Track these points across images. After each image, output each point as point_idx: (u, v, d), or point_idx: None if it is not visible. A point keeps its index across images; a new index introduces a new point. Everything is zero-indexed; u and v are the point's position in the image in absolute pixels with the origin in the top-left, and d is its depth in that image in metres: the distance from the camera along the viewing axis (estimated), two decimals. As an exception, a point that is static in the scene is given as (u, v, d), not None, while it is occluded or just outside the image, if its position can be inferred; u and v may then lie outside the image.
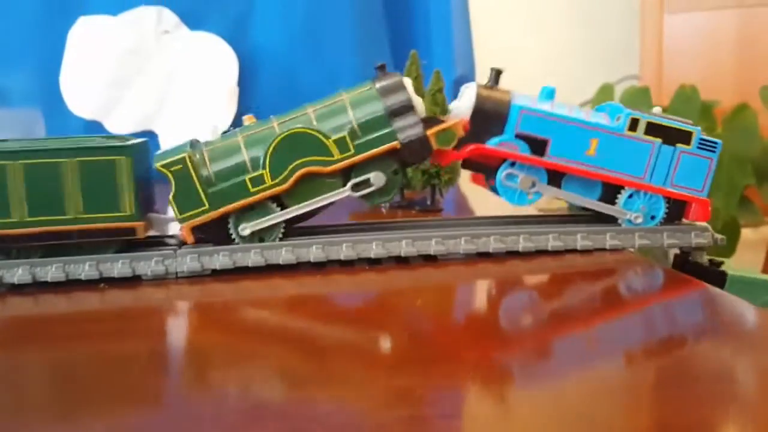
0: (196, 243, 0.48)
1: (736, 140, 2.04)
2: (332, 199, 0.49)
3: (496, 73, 0.51)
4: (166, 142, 1.09)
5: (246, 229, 0.48)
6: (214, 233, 0.48)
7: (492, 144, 0.50)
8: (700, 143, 0.50)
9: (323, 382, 0.31)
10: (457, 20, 1.19)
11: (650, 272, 0.48)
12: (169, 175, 0.47)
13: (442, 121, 0.49)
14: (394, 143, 0.48)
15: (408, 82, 0.49)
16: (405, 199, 0.77)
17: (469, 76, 1.17)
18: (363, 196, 0.49)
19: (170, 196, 0.47)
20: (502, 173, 0.50)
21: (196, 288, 0.46)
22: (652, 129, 0.50)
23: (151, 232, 0.50)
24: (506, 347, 0.37)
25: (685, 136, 0.50)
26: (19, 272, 0.46)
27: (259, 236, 0.49)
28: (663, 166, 0.50)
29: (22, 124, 1.11)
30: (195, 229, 0.48)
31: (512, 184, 0.50)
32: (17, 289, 0.46)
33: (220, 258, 0.47)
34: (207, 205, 0.47)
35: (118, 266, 0.46)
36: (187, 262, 0.47)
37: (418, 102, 0.49)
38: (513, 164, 0.50)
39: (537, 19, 1.61)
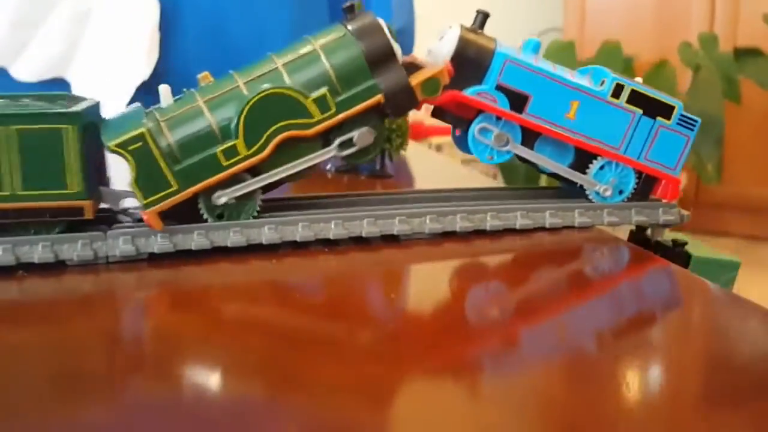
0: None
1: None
2: (316, 161, 0.44)
3: (483, 17, 0.47)
4: (79, 91, 0.99)
5: (221, 197, 0.42)
6: (181, 213, 0.42)
7: (470, 93, 0.46)
8: (680, 119, 0.48)
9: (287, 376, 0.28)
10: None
11: (618, 251, 0.46)
12: (127, 155, 0.40)
13: (422, 67, 0.44)
14: (378, 97, 0.43)
15: (383, 22, 0.44)
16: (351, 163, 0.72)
17: (409, 30, 1.12)
18: (346, 156, 0.44)
19: (131, 180, 0.40)
20: (476, 126, 0.47)
21: (131, 275, 0.41)
22: (635, 98, 0.48)
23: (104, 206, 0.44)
24: (475, 334, 0.34)
25: (666, 110, 0.48)
26: None
27: (234, 211, 0.43)
28: (640, 139, 0.48)
29: None
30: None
31: (485, 139, 0.47)
32: None
33: (158, 240, 0.42)
34: (175, 186, 0.41)
35: (39, 251, 0.40)
36: (120, 245, 0.41)
37: (396, 46, 0.44)
38: (488, 117, 0.47)
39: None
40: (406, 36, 1.11)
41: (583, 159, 0.49)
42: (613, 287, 0.42)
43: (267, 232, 0.43)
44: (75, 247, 0.41)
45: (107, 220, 0.44)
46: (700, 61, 2.03)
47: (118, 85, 0.98)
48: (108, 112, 1.07)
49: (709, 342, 0.34)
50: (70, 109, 0.40)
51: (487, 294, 0.41)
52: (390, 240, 0.46)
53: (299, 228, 0.44)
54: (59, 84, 1.00)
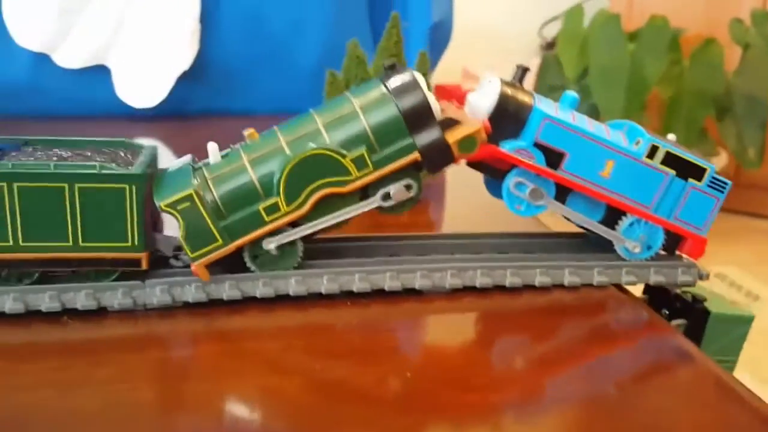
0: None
1: (701, 75, 2.04)
2: (355, 214, 0.46)
3: (522, 71, 0.48)
4: (119, 78, 1.01)
5: (271, 242, 0.44)
6: (225, 263, 0.45)
7: (508, 149, 0.47)
8: (711, 181, 0.49)
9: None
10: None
11: (632, 316, 0.47)
12: (176, 214, 0.42)
13: (459, 122, 0.45)
14: (415, 155, 0.44)
15: (421, 78, 0.45)
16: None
17: (446, 23, 1.11)
18: (383, 209, 0.46)
19: (180, 236, 0.43)
20: (511, 180, 0.48)
21: (166, 322, 0.44)
22: (669, 159, 0.48)
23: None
24: (494, 389, 0.37)
25: (698, 172, 0.48)
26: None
27: (276, 259, 0.45)
28: (671, 199, 0.49)
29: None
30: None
31: (520, 193, 0.48)
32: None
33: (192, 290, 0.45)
34: (220, 241, 0.43)
35: (82, 298, 0.43)
36: (157, 294, 0.44)
37: (433, 99, 0.45)
38: (523, 172, 0.48)
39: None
40: (443, 29, 1.10)
41: (613, 215, 0.49)
42: (613, 352, 0.43)
43: (294, 284, 0.46)
44: (116, 295, 0.44)
45: (160, 262, 0.46)
46: (750, 39, 1.96)
47: (159, 76, 1.00)
48: (148, 102, 1.08)
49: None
50: (132, 171, 0.42)
51: (503, 350, 0.43)
52: (412, 292, 0.47)
53: (324, 281, 0.46)
54: (100, 70, 1.02)
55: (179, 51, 1.00)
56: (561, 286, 0.49)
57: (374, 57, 0.77)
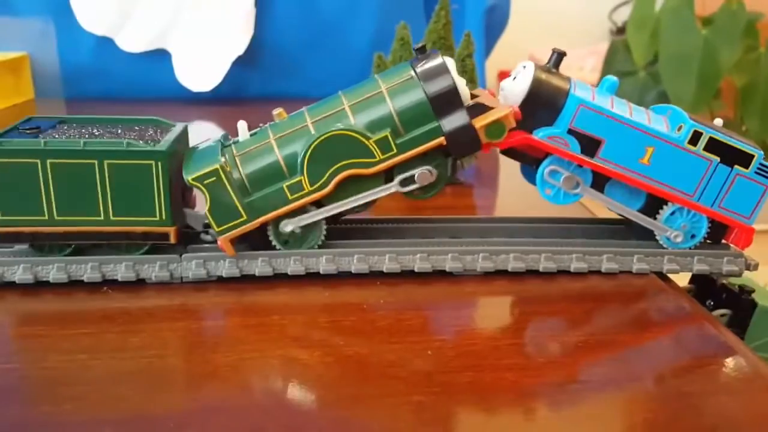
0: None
1: (778, 63, 1.91)
2: (376, 197, 0.46)
3: (558, 56, 0.46)
4: (179, 62, 1.04)
5: (288, 225, 0.45)
6: (252, 240, 0.46)
7: (541, 136, 0.45)
8: (758, 168, 0.46)
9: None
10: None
11: (672, 305, 0.45)
12: (202, 188, 0.44)
13: (489, 108, 0.44)
14: (440, 139, 0.44)
15: (451, 63, 0.44)
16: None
17: (503, 5, 1.09)
18: (406, 193, 0.46)
19: (206, 210, 0.44)
20: (545, 168, 0.46)
21: (200, 295, 0.45)
22: (713, 146, 0.46)
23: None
24: (522, 372, 0.37)
25: (745, 159, 0.46)
26: (19, 271, 0.44)
27: (300, 239, 0.46)
28: (715, 187, 0.46)
29: (32, 36, 1.06)
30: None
31: (554, 181, 0.47)
32: (15, 286, 0.45)
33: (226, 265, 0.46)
34: (245, 217, 0.44)
35: (122, 270, 0.45)
36: (193, 268, 0.45)
37: (462, 85, 0.44)
38: (558, 159, 0.46)
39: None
40: (500, 13, 1.08)
41: (654, 203, 0.47)
42: (650, 341, 0.42)
43: (324, 262, 0.46)
44: (154, 268, 0.45)
45: (189, 237, 0.48)
46: (835, 24, 1.84)
47: (216, 60, 1.02)
48: (206, 85, 1.11)
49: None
50: (156, 147, 0.43)
51: (533, 334, 0.42)
52: (442, 274, 0.47)
53: (354, 260, 0.46)
54: (161, 55, 1.05)
55: (235, 36, 1.02)
56: (598, 273, 0.47)
57: (422, 40, 0.76)
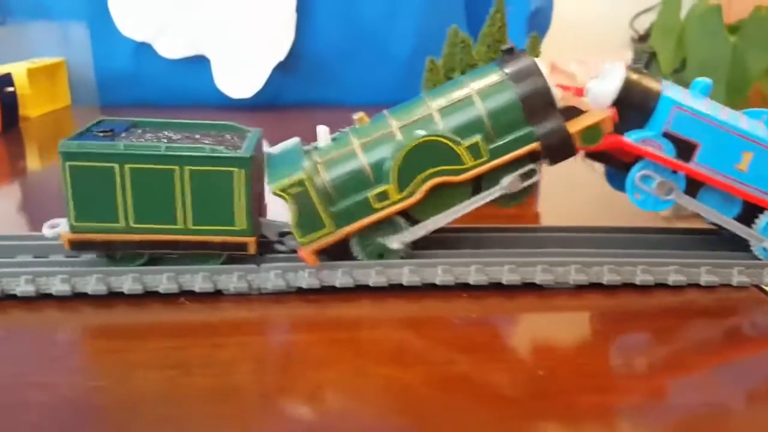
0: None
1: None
2: (470, 209, 0.43)
3: (650, 56, 0.44)
4: (218, 69, 1.03)
5: (394, 242, 0.43)
6: (334, 251, 0.44)
7: (634, 139, 0.43)
8: None
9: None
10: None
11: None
12: (288, 198, 0.41)
13: (582, 111, 0.43)
14: (534, 145, 0.42)
15: (542, 63, 0.42)
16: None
17: (546, 9, 1.07)
18: (495, 201, 0.44)
19: (291, 220, 0.42)
20: (637, 173, 0.44)
21: (280, 307, 0.43)
22: None
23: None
24: (617, 391, 0.35)
25: None
26: (92, 282, 0.42)
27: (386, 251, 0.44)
28: None
29: (68, 42, 1.04)
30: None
31: (646, 187, 0.44)
32: (85, 297, 0.43)
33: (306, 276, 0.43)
34: (330, 227, 0.42)
35: (199, 281, 0.43)
36: (271, 278, 0.43)
37: (554, 87, 0.42)
38: (651, 164, 0.44)
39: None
40: (543, 16, 1.06)
41: (750, 211, 0.45)
42: (747, 359, 0.39)
43: (407, 273, 0.44)
44: (231, 279, 0.43)
45: (262, 246, 0.46)
46: None
47: (256, 67, 1.01)
48: (245, 92, 1.09)
49: None
50: (240, 154, 0.41)
51: (629, 351, 0.40)
52: (528, 287, 0.45)
53: (439, 271, 0.44)
54: (200, 61, 1.04)
55: (275, 42, 1.00)
56: (696, 286, 0.45)
57: (476, 43, 0.74)
